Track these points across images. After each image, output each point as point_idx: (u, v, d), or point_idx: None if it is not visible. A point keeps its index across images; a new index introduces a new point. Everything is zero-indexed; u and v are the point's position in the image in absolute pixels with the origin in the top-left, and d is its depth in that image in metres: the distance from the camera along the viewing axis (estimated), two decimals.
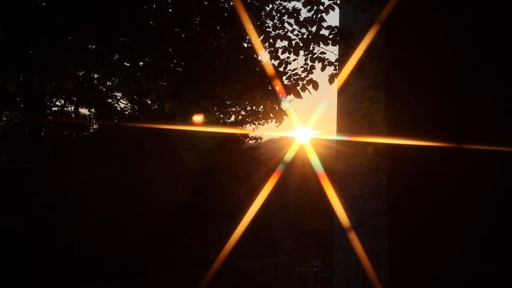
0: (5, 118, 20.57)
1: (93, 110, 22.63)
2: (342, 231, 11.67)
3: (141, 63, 6.35)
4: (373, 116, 6.82)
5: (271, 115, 6.47)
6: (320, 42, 6.49)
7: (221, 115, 21.10)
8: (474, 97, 3.33)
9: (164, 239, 19.83)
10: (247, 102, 6.67)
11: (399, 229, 3.68)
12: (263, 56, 6.57)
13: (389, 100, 3.84)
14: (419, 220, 3.51)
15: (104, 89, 22.57)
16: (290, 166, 31.10)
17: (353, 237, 10.99)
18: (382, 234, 10.72)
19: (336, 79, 6.72)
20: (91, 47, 5.74)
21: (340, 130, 12.52)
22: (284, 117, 6.59)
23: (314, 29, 6.47)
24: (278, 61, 6.61)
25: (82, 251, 17.73)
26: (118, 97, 23.14)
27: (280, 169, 19.15)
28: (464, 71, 3.37)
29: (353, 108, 10.84)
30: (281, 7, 6.63)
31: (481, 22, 3.35)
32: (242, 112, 24.69)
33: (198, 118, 6.08)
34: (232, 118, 24.78)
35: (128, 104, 23.31)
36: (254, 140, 28.08)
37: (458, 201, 3.33)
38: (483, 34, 3.34)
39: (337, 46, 6.77)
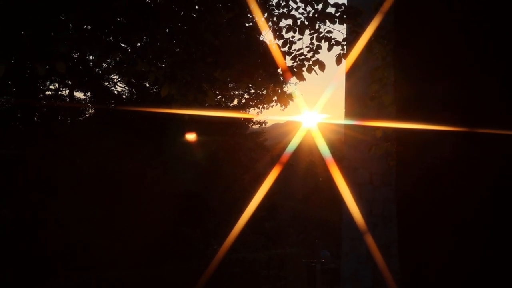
0: None
1: (88, 94, 22.62)
2: (351, 220, 11.68)
3: (138, 44, 6.33)
4: (382, 98, 6.79)
5: (275, 98, 6.45)
6: (327, 21, 6.45)
7: (223, 99, 21.08)
8: (487, 79, 3.30)
9: (164, 228, 19.89)
10: (249, 85, 6.65)
11: (409, 217, 3.67)
12: (266, 35, 6.54)
13: (398, 82, 3.82)
14: (430, 207, 3.50)
15: (100, 72, 22.52)
16: (296, 152, 31.14)
17: (362, 226, 11.00)
18: (392, 223, 10.72)
19: (344, 60, 6.68)
20: (86, 27, 5.72)
21: (348, 114, 12.49)
22: (290, 100, 6.57)
23: (320, 6, 6.43)
24: (282, 40, 6.59)
25: (77, 241, 17.80)
26: (115, 80, 23.11)
27: (286, 155, 19.15)
28: (476, 52, 3.34)
29: (362, 91, 10.79)
30: None
31: (492, 1, 3.32)
32: (246, 96, 24.66)
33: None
34: (235, 102, 24.75)
35: (126, 87, 23.28)
36: (258, 125, 28.10)
37: (470, 188, 3.32)
38: (495, 13, 3.31)
39: (345, 24, 6.72)
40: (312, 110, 9.25)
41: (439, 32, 3.50)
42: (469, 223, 3.32)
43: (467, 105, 3.34)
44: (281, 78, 6.29)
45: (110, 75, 22.65)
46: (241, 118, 25.30)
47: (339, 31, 6.73)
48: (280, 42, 6.57)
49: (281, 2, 6.56)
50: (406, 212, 3.69)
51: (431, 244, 3.47)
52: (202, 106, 6.28)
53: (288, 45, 6.62)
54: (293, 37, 6.64)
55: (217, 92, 6.52)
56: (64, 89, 22.46)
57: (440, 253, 3.41)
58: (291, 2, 6.55)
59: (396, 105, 3.88)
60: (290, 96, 6.53)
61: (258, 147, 27.86)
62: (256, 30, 6.25)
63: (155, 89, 21.88)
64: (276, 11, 6.55)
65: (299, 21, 6.51)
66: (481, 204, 3.29)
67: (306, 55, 6.63)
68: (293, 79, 6.54)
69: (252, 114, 26.58)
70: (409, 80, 3.68)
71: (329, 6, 6.41)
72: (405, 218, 3.70)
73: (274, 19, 6.53)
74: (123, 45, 6.06)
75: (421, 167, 3.55)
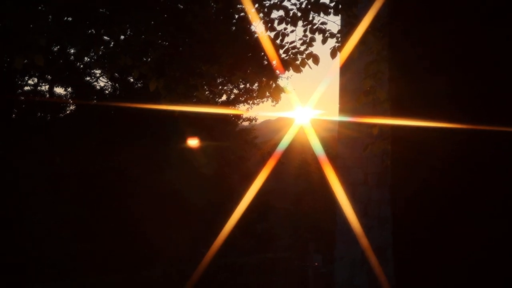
0: None
1: (69, 89, 22.55)
2: (346, 222, 11.67)
3: (121, 37, 6.29)
4: (377, 94, 6.78)
5: (267, 93, 6.44)
6: (321, 11, 6.43)
7: (211, 95, 21.06)
8: (504, 72, 3.15)
9: (148, 230, 19.84)
10: (240, 80, 6.63)
11: (407, 223, 3.53)
12: (257, 27, 6.52)
13: (395, 77, 3.75)
14: (434, 212, 3.34)
15: (81, 66, 22.44)
16: (288, 150, 31.08)
17: (357, 229, 11.00)
18: (389, 225, 10.72)
19: (338, 53, 6.68)
20: (66, 18, 5.68)
21: (343, 111, 12.48)
22: (282, 95, 6.57)
23: None
24: (274, 33, 6.57)
25: (57, 245, 17.71)
26: (97, 75, 23.04)
27: (277, 153, 19.14)
28: (492, 42, 3.20)
29: (357, 86, 10.79)
30: None
31: None
32: (235, 91, 24.63)
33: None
34: (224, 98, 24.71)
35: (109, 82, 23.23)
36: (248, 122, 28.07)
37: (484, 192, 3.17)
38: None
39: (340, 15, 6.71)
40: (305, 106, 9.25)
41: (443, 22, 3.37)
42: (488, 232, 3.17)
43: (480, 101, 3.19)
44: (276, 72, 6.28)
45: (92, 70, 22.59)
46: (230, 114, 25.26)
47: (334, 22, 6.73)
48: (272, 34, 6.55)
49: None
50: (404, 216, 3.53)
51: (427, 251, 3.34)
52: (189, 102, 6.27)
53: (280, 38, 6.61)
54: (285, 29, 6.61)
55: (206, 87, 6.50)
56: (43, 84, 22.38)
57: (436, 258, 3.29)
58: None
59: (390, 101, 3.78)
60: (283, 90, 6.51)
61: (248, 145, 27.84)
62: (247, 21, 6.22)
63: (140, 84, 21.82)
64: (267, 1, 6.54)
65: (291, 12, 6.50)
66: (490, 213, 3.12)
67: (299, 48, 6.61)
68: (286, 73, 6.53)
69: (242, 110, 26.57)
70: (408, 75, 3.56)
71: None
72: (402, 224, 3.55)
73: (265, 10, 6.51)
74: (106, 38, 6.03)
75: (422, 168, 3.41)
